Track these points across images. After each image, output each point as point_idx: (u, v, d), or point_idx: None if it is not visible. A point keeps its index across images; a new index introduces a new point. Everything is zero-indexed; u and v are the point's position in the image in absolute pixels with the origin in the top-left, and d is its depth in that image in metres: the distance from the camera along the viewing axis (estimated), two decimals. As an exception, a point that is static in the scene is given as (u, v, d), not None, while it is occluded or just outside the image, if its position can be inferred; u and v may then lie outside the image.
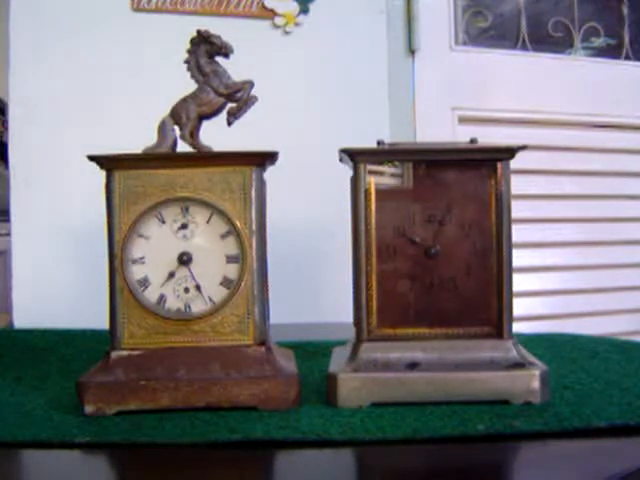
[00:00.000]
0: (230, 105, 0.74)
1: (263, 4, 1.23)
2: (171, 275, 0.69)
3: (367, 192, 0.70)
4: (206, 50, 0.73)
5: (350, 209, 0.72)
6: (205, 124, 0.74)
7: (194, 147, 0.73)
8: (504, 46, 1.51)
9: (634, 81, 1.55)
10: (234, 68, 0.74)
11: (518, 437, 0.59)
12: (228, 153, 0.70)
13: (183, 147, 0.73)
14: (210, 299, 0.70)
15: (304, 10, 1.25)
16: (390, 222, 0.71)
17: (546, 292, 1.47)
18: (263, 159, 0.71)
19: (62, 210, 1.16)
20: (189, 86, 0.73)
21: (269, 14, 1.24)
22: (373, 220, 0.70)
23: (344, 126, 1.25)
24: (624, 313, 1.52)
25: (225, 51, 0.73)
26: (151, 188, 0.69)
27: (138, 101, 1.17)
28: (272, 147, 0.72)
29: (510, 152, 0.70)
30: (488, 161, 0.71)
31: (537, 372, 0.68)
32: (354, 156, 0.70)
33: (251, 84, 0.74)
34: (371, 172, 0.71)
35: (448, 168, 0.72)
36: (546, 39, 1.54)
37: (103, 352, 0.70)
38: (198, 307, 0.70)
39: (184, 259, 0.69)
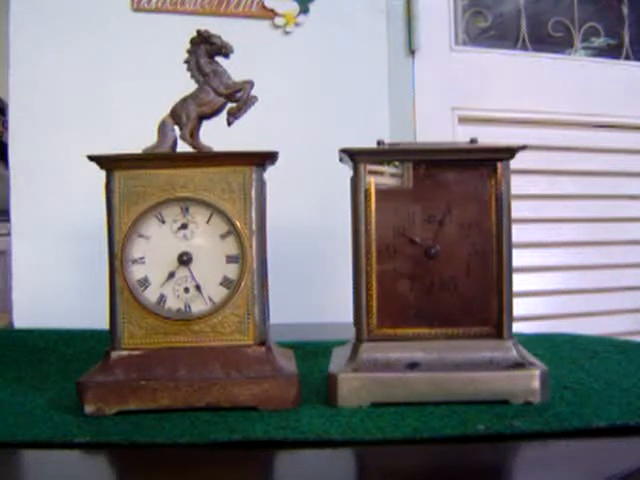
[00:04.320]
0: (230, 105, 0.74)
1: (263, 4, 1.23)
2: (171, 275, 0.69)
3: (367, 192, 0.70)
4: (206, 50, 0.73)
5: (350, 209, 0.72)
6: (205, 124, 0.74)
7: (194, 147, 0.73)
8: (504, 46, 1.51)
9: (634, 81, 1.55)
10: (234, 68, 0.74)
11: (518, 437, 0.59)
12: (228, 153, 0.70)
13: (183, 147, 0.73)
14: (210, 299, 0.70)
15: (304, 10, 1.25)
16: (390, 222, 0.71)
17: (546, 292, 1.47)
18: (263, 159, 0.71)
19: (62, 210, 1.16)
20: (189, 86, 0.73)
21: (269, 14, 1.24)
22: (373, 220, 0.70)
23: (344, 126, 1.25)
24: (624, 313, 1.52)
25: (225, 51, 0.73)
26: (151, 188, 0.69)
27: (138, 101, 1.16)
28: (272, 147, 0.72)
29: (510, 152, 0.70)
30: (488, 161, 0.71)
31: (537, 372, 0.68)
32: (354, 156, 0.70)
33: (251, 84, 0.74)
34: (371, 172, 0.71)
35: (448, 168, 0.72)
36: (546, 39, 1.54)
37: (103, 352, 0.70)
38: (198, 307, 0.70)
39: (184, 259, 0.69)
